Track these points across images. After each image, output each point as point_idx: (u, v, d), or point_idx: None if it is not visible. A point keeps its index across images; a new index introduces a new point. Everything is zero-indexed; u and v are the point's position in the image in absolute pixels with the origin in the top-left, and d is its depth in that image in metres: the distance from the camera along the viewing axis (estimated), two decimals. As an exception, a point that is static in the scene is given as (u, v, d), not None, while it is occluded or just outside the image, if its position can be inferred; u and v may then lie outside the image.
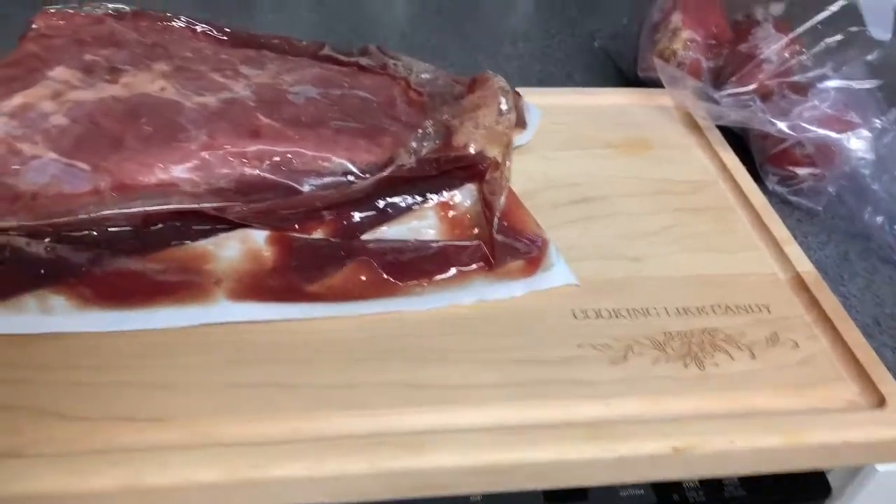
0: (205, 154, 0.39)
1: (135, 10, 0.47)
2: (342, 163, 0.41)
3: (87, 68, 0.41)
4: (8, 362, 0.34)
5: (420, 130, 0.41)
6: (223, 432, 0.32)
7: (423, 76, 0.49)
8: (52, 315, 0.36)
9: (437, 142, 0.41)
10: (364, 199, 0.40)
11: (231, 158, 0.39)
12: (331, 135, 0.42)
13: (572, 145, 0.51)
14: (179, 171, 0.38)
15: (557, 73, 0.68)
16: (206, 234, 0.38)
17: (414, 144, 0.41)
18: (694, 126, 0.54)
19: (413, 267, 0.39)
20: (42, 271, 0.36)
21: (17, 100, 0.39)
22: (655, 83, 0.58)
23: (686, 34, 0.61)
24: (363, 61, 0.50)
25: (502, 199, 0.41)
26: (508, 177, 0.42)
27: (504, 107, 0.43)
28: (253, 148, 0.40)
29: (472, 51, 0.70)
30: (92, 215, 0.36)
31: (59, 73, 0.40)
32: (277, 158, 0.40)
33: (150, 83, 0.41)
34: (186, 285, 0.37)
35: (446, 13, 0.74)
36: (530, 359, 0.36)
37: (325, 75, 0.47)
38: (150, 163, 0.38)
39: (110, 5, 0.47)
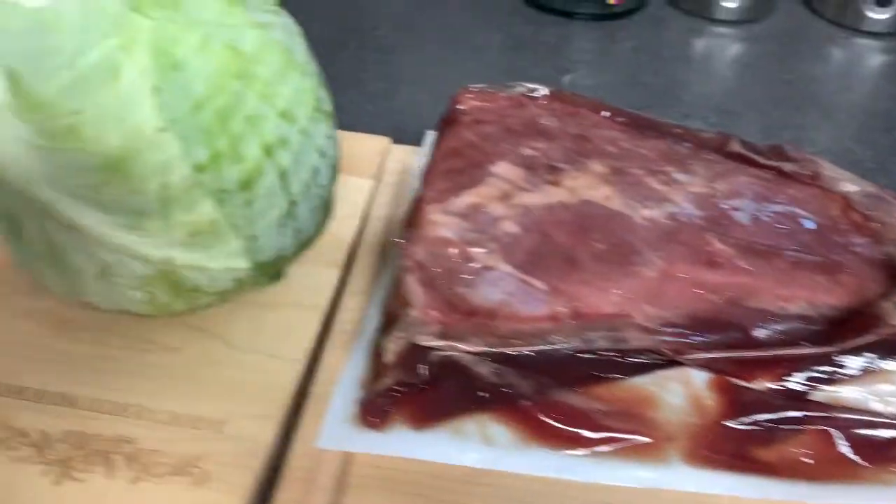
0: (662, 282, 0.34)
1: (551, 92, 0.44)
2: (800, 304, 0.36)
3: (528, 165, 0.38)
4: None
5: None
6: None
7: (858, 190, 0.42)
8: (493, 446, 0.33)
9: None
10: (822, 355, 0.34)
11: (688, 289, 0.35)
12: (787, 268, 0.36)
13: None
14: (635, 300, 0.34)
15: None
16: (642, 369, 0.34)
17: (904, 298, 0.34)
18: None
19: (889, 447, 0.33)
20: (486, 395, 0.33)
21: (467, 198, 0.36)
22: None
23: None
24: (787, 167, 0.43)
25: None
26: None
27: None
28: (710, 278, 0.35)
29: (840, 134, 0.61)
30: (548, 343, 0.33)
31: (503, 169, 0.38)
32: (732, 293, 0.35)
33: (593, 189, 0.37)
34: (636, 434, 0.33)
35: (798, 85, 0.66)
36: None
37: (756, 185, 0.41)
38: (607, 288, 0.34)
39: (527, 85, 0.44)
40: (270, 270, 0.35)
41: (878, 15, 0.73)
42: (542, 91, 0.44)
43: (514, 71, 0.65)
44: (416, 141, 0.48)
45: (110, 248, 0.31)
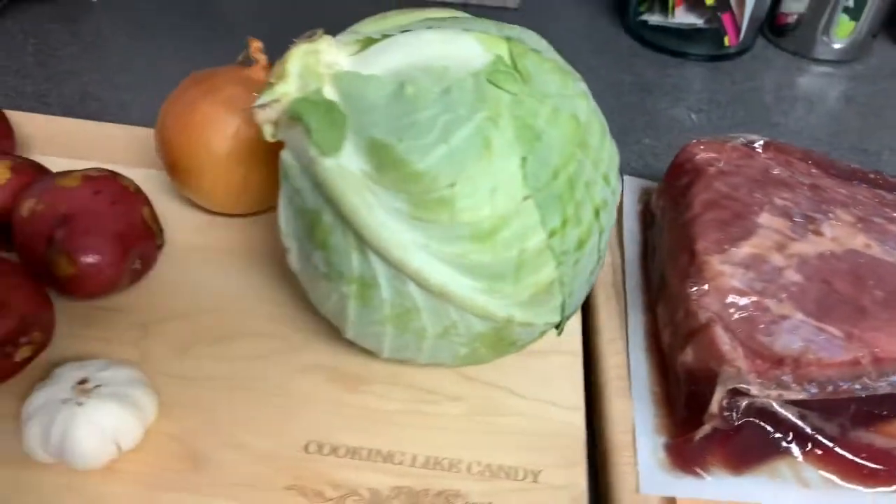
0: (941, 327, 0.36)
1: (766, 141, 0.46)
2: None
3: (786, 215, 0.40)
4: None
5: None
6: None
7: None
8: (808, 487, 0.34)
9: None
10: None
11: (963, 333, 0.37)
12: None
13: None
14: (922, 345, 0.36)
15: None
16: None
17: None
18: None
19: None
20: (792, 437, 0.35)
21: (745, 249, 0.38)
22: None
23: None
24: None
25: None
26: None
27: None
28: (979, 321, 0.37)
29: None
30: (852, 387, 0.35)
31: (767, 220, 0.40)
32: None
33: (852, 238, 0.40)
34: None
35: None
36: None
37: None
38: (896, 333, 0.36)
39: (746, 136, 0.46)
40: (564, 323, 0.37)
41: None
42: (759, 141, 0.46)
43: (654, 111, 0.67)
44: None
45: (465, 309, 0.32)
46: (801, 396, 0.34)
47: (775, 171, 0.43)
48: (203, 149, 0.42)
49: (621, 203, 0.49)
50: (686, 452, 0.35)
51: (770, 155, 0.45)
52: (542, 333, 0.36)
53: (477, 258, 0.31)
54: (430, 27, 0.33)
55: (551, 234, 0.31)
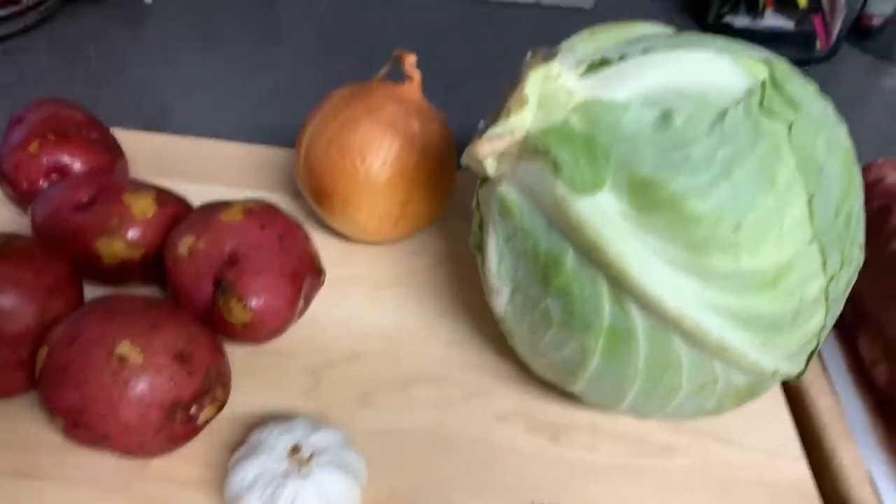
0: None
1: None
2: None
3: None
4: None
5: None
6: None
7: None
8: None
9: None
10: None
11: None
12: None
13: None
14: None
15: None
16: None
17: None
18: None
19: None
20: None
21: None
22: None
23: None
24: None
25: None
26: None
27: None
28: None
29: None
30: None
31: None
32: None
33: None
34: None
35: None
36: None
37: None
38: None
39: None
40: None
41: None
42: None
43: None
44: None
45: (737, 366, 0.29)
46: None
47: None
48: (363, 174, 0.38)
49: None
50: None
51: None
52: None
53: (761, 310, 0.27)
54: (674, 46, 0.30)
55: (830, 280, 0.28)
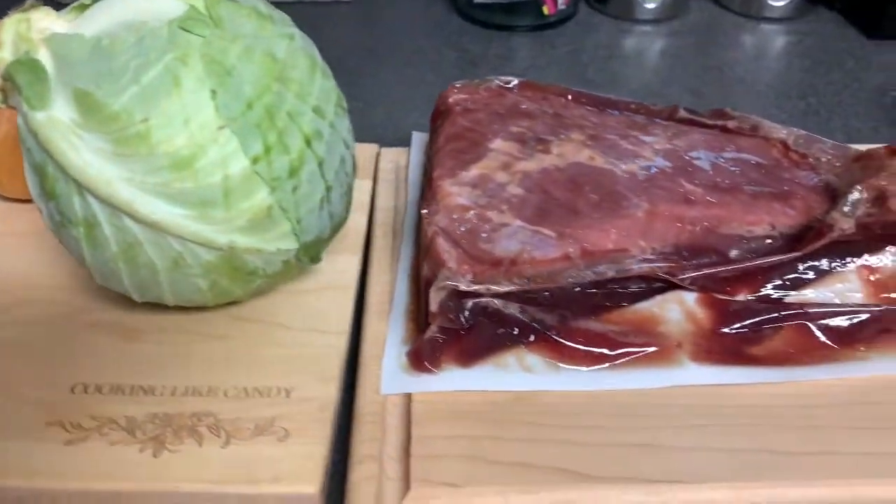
0: (649, 220, 0.40)
1: (521, 81, 0.50)
2: (764, 227, 0.42)
3: (519, 139, 0.44)
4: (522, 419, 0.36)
5: (854, 194, 0.42)
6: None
7: (792, 135, 0.50)
8: (531, 372, 0.38)
9: (868, 206, 0.41)
10: (788, 263, 0.41)
11: (671, 224, 0.41)
12: (748, 199, 0.43)
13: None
14: (630, 237, 0.40)
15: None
16: (643, 296, 0.40)
17: (846, 209, 0.41)
18: None
19: (852, 332, 0.40)
20: (517, 330, 0.38)
21: (474, 171, 0.42)
22: None
23: None
24: (730, 124, 0.51)
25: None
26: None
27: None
28: (688, 213, 0.41)
29: (762, 103, 0.70)
30: (566, 279, 0.38)
31: (499, 144, 0.43)
32: (707, 223, 0.42)
33: (578, 153, 0.43)
34: (648, 346, 0.38)
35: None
36: None
37: (709, 139, 0.48)
38: (606, 229, 0.40)
39: (502, 78, 0.50)
40: (312, 252, 0.40)
41: (778, 3, 0.83)
42: (515, 81, 0.50)
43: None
44: (400, 145, 0.54)
45: (183, 237, 0.35)
46: (511, 289, 0.37)
47: (522, 106, 0.47)
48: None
49: (409, 154, 0.52)
50: (420, 354, 0.38)
51: (524, 93, 0.49)
52: (290, 263, 0.39)
53: (180, 186, 0.34)
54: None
55: (255, 161, 0.35)
